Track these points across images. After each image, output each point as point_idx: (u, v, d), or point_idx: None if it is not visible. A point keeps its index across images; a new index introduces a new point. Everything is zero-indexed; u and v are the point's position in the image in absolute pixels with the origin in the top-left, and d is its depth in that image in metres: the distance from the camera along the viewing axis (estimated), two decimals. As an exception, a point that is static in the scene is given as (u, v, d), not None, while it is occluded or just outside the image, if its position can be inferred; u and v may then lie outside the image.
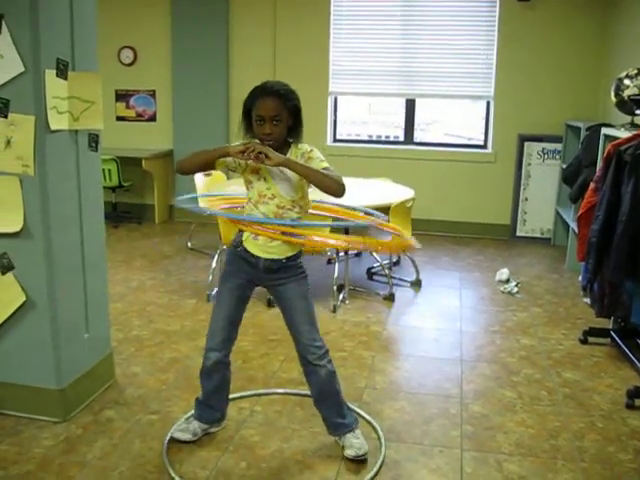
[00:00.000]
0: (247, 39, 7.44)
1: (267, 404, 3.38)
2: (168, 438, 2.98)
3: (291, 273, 2.77)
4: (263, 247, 2.72)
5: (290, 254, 2.75)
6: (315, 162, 2.65)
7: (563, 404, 3.47)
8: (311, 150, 2.69)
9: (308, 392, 3.08)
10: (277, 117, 2.57)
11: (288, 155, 2.64)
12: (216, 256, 5.08)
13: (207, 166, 2.75)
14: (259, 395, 3.46)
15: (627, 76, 4.75)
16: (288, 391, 3.50)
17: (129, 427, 3.10)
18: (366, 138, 7.88)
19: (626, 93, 4.64)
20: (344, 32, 7.35)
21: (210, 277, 5.01)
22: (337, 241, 3.35)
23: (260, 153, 2.52)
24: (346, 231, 5.13)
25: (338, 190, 2.61)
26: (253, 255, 2.74)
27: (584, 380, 3.77)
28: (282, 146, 2.65)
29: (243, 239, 2.77)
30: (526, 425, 3.24)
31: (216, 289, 4.43)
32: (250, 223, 2.70)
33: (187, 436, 2.98)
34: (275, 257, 2.73)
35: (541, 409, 3.41)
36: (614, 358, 4.08)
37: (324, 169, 2.62)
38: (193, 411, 3.06)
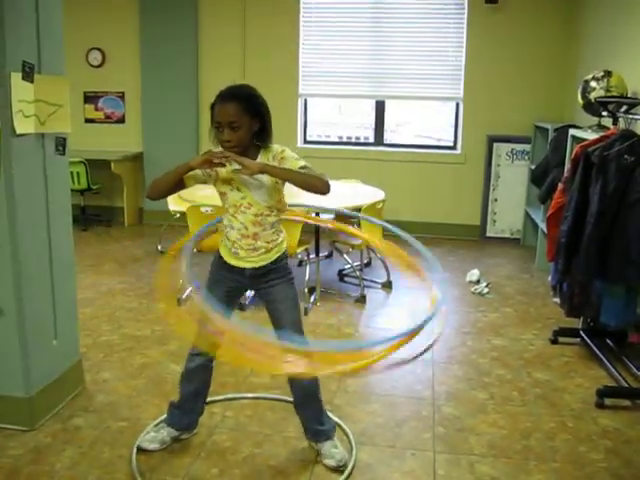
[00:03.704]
0: (216, 41, 7.41)
1: (238, 409, 3.35)
2: (136, 446, 2.93)
3: (277, 275, 2.74)
4: (246, 259, 2.68)
5: (274, 258, 2.71)
6: (290, 162, 2.56)
7: (534, 404, 3.50)
8: (282, 150, 2.60)
9: (279, 396, 3.06)
10: (235, 123, 2.47)
11: (259, 159, 2.57)
12: (186, 260, 5.02)
13: (177, 186, 2.64)
14: (230, 400, 3.43)
15: (594, 78, 4.80)
16: (259, 395, 3.48)
17: (98, 435, 3.06)
18: (336, 139, 7.88)
19: (592, 95, 4.69)
20: (313, 34, 7.35)
21: (181, 281, 4.95)
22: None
23: (225, 157, 2.48)
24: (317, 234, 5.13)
25: (323, 188, 2.52)
26: (235, 266, 2.71)
27: (555, 380, 3.80)
28: (249, 151, 2.56)
29: (223, 254, 2.74)
30: (498, 426, 3.25)
31: (186, 293, 4.42)
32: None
33: (154, 445, 2.93)
34: (260, 264, 2.69)
35: (513, 409, 3.43)
36: (584, 358, 4.12)
37: (302, 168, 2.54)
38: (164, 416, 3.02)
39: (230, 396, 3.45)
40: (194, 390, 2.93)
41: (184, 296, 4.62)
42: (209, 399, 3.16)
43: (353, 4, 7.26)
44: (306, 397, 2.87)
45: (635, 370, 3.74)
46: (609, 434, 3.21)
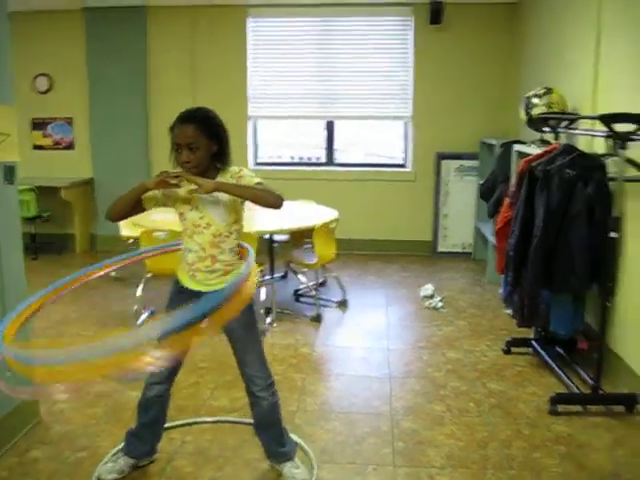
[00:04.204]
0: (165, 65, 7.43)
1: (198, 433, 3.34)
2: (95, 478, 2.90)
3: None
4: (203, 282, 2.69)
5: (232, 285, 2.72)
6: (246, 179, 2.63)
7: (490, 414, 3.57)
8: (240, 170, 2.67)
9: (239, 419, 3.06)
10: (193, 144, 2.53)
11: (217, 179, 2.61)
12: (141, 285, 5.00)
13: (135, 208, 2.66)
14: (189, 425, 3.42)
15: (535, 95, 4.94)
16: (219, 419, 3.47)
17: (56, 467, 3.01)
18: (288, 160, 7.93)
19: (534, 111, 4.82)
20: (261, 57, 7.43)
21: (136, 306, 4.94)
22: None
23: (177, 176, 2.52)
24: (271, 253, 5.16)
25: (276, 202, 2.59)
26: (194, 290, 2.70)
27: (509, 389, 3.88)
28: (209, 172, 2.62)
29: (180, 279, 2.75)
30: (455, 437, 3.31)
31: (142, 318, 4.40)
32: None
33: (113, 476, 2.90)
34: (217, 288, 2.67)
35: (469, 420, 3.49)
36: (536, 366, 4.22)
37: (257, 184, 2.61)
38: (122, 445, 3.00)
39: (190, 421, 3.44)
40: (152, 418, 2.91)
41: (139, 322, 4.61)
42: (168, 425, 3.15)
43: (300, 27, 7.37)
44: (266, 419, 2.88)
45: (585, 376, 3.85)
46: (563, 440, 3.30)
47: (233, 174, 2.65)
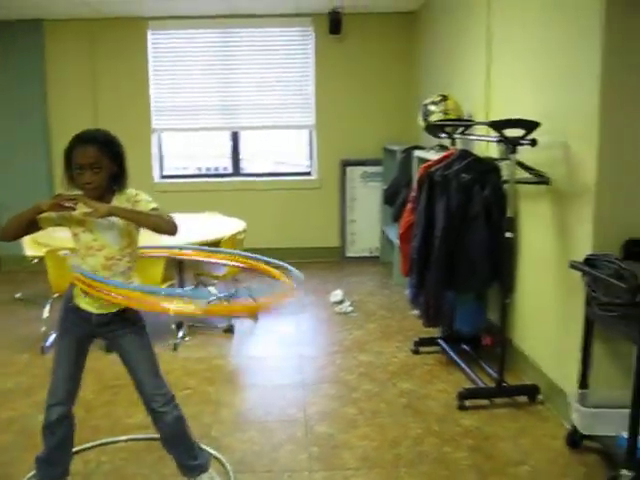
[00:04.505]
0: (65, 82, 7.26)
1: (113, 453, 3.30)
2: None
3: (123, 325, 2.72)
4: (94, 303, 2.65)
5: (120, 307, 2.68)
6: (142, 204, 2.62)
7: (401, 413, 3.68)
8: (137, 194, 2.66)
9: (154, 435, 3.04)
10: (96, 165, 2.51)
11: (114, 202, 2.60)
12: (48, 305, 4.88)
13: (30, 227, 2.61)
14: (104, 444, 3.37)
15: (432, 102, 5.13)
16: (133, 437, 3.44)
17: (-35, 498, 2.93)
18: (194, 172, 7.91)
19: (432, 118, 5.00)
20: (163, 69, 7.38)
21: (43, 328, 4.81)
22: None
23: (73, 199, 2.50)
24: (180, 268, 5.15)
25: (169, 229, 2.59)
26: (85, 310, 2.67)
27: (419, 388, 4.01)
28: (106, 194, 2.61)
29: (74, 295, 2.71)
30: (369, 438, 3.40)
31: (50, 340, 4.30)
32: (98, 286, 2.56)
33: None
34: (103, 311, 2.67)
35: (382, 421, 3.59)
36: (444, 364, 4.37)
37: (153, 209, 2.61)
38: (33, 472, 2.93)
39: (104, 441, 3.39)
40: (59, 440, 2.81)
41: (47, 344, 4.50)
42: (83, 446, 3.10)
43: (202, 38, 7.35)
44: (173, 434, 2.84)
45: (490, 371, 4.02)
46: (471, 433, 3.44)
47: (130, 198, 2.64)
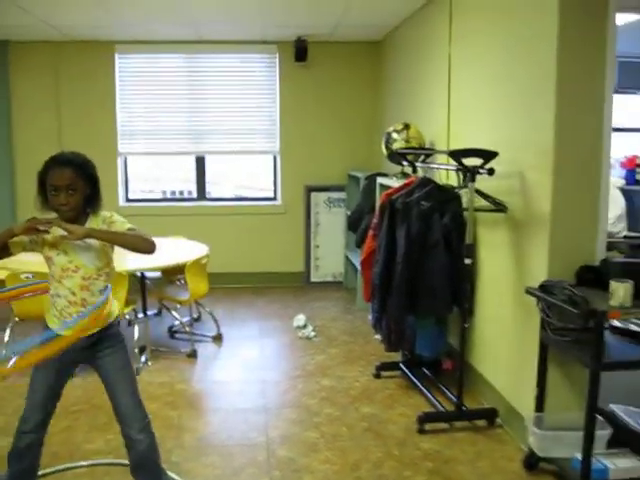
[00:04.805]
0: (31, 106, 7.21)
1: (74, 478, 3.28)
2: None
3: (109, 343, 2.74)
4: (73, 327, 2.61)
5: (105, 323, 2.72)
6: (118, 225, 2.66)
7: (362, 437, 3.72)
8: (111, 215, 2.69)
9: (114, 460, 3.04)
10: (72, 186, 2.54)
11: (88, 224, 2.63)
12: (8, 329, 4.83)
13: (1, 253, 2.61)
14: (64, 470, 3.34)
15: (394, 130, 5.24)
16: (94, 462, 3.42)
17: None
18: (159, 196, 7.90)
19: (394, 146, 5.11)
20: (130, 94, 7.38)
21: (4, 351, 4.75)
22: None
23: (48, 223, 2.52)
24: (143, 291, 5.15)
25: (148, 247, 2.65)
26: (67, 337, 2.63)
27: (380, 412, 4.05)
28: (80, 216, 2.63)
29: (48, 322, 2.71)
30: (330, 462, 3.43)
31: (11, 362, 4.25)
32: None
33: None
34: (91, 331, 2.67)
35: (343, 445, 3.62)
36: (405, 388, 4.43)
37: (129, 229, 2.64)
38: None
39: (64, 466, 3.37)
40: (25, 468, 2.79)
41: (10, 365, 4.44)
42: (42, 472, 3.06)
43: (169, 63, 7.39)
44: (144, 461, 2.82)
45: (450, 395, 4.08)
46: (430, 456, 3.49)
47: (105, 219, 2.67)
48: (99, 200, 2.69)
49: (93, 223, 2.65)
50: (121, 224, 2.67)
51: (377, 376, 4.62)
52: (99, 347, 2.73)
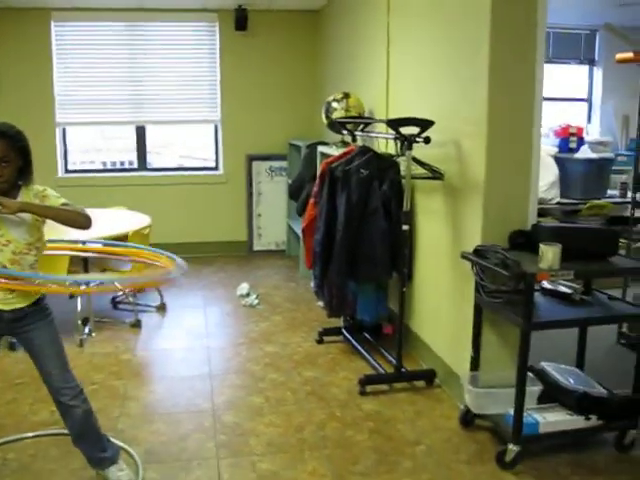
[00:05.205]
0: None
1: (20, 450, 3.29)
2: None
3: (37, 317, 2.73)
4: (2, 300, 2.65)
5: (33, 299, 2.71)
6: (52, 200, 2.64)
7: (305, 401, 3.82)
8: (44, 189, 2.67)
9: (60, 430, 3.05)
10: (5, 158, 2.52)
11: (20, 198, 2.60)
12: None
13: None
14: (10, 442, 3.35)
15: (334, 100, 5.29)
16: (40, 433, 3.43)
17: None
18: (100, 167, 7.79)
19: (334, 115, 5.16)
20: (68, 62, 7.21)
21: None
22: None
23: None
24: (85, 263, 5.12)
25: (84, 223, 2.65)
26: None
27: (322, 376, 4.16)
28: (12, 189, 2.60)
29: None
30: (274, 425, 3.52)
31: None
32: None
33: None
34: (18, 306, 2.67)
35: (287, 408, 3.72)
36: (347, 353, 4.54)
37: (63, 204, 2.64)
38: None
39: (10, 438, 3.37)
40: None
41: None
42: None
43: (107, 32, 7.22)
44: (83, 427, 2.87)
45: (390, 358, 4.20)
46: (371, 417, 3.62)
47: (37, 193, 2.65)
48: (31, 173, 2.66)
49: (25, 196, 2.63)
50: (55, 199, 2.66)
51: (320, 342, 4.72)
52: (26, 321, 2.72)
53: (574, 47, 7.05)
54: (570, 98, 7.20)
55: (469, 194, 3.58)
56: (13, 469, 3.11)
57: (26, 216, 2.60)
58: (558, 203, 5.39)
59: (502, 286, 3.14)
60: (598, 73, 7.05)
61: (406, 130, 3.78)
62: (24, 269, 2.66)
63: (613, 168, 5.78)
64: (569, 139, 5.78)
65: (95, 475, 3.00)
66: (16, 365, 4.27)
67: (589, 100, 7.14)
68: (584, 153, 5.59)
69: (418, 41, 4.27)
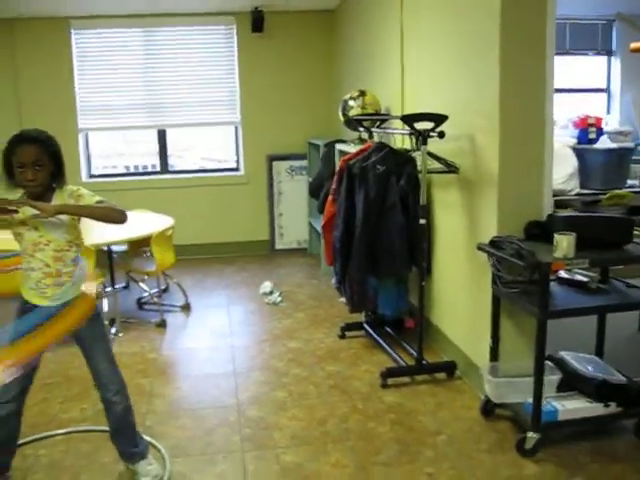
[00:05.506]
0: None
1: (51, 446, 3.39)
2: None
3: (88, 316, 2.82)
4: (51, 297, 2.74)
5: (79, 293, 2.81)
6: (86, 198, 2.74)
7: (328, 394, 3.88)
8: (78, 189, 2.77)
9: (90, 427, 3.14)
10: (39, 162, 2.61)
11: (54, 200, 2.70)
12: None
13: None
14: (41, 439, 3.45)
15: (351, 97, 5.34)
16: (70, 430, 3.53)
17: None
18: (123, 171, 7.92)
19: (351, 113, 5.22)
20: (89, 68, 7.35)
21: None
22: None
23: (20, 203, 2.59)
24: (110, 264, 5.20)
25: (118, 217, 2.75)
26: (45, 307, 2.74)
27: (344, 370, 4.22)
28: (46, 192, 2.70)
29: (26, 296, 2.78)
30: (298, 419, 3.59)
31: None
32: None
33: None
34: (68, 298, 2.77)
35: (310, 402, 3.78)
36: (368, 347, 4.59)
37: (98, 202, 2.74)
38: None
39: (41, 435, 3.47)
40: (5, 437, 2.89)
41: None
42: (20, 441, 3.17)
43: (126, 37, 7.36)
44: (121, 423, 2.98)
45: (411, 350, 4.25)
46: (393, 409, 3.67)
47: (72, 193, 2.74)
48: (63, 175, 2.76)
49: (59, 197, 2.72)
50: (90, 197, 2.75)
51: (342, 337, 4.78)
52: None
53: (592, 38, 7.02)
54: (589, 89, 7.17)
55: (484, 187, 3.62)
56: (45, 465, 3.21)
57: (63, 217, 2.69)
58: (578, 194, 5.38)
59: (518, 276, 3.18)
60: (616, 63, 7.01)
61: (420, 125, 3.83)
62: (67, 265, 2.75)
63: (633, 158, 5.76)
64: (588, 130, 5.76)
65: (124, 469, 3.09)
66: (47, 365, 4.35)
67: (608, 91, 7.10)
68: (603, 143, 5.57)
69: (431, 37, 4.31)
